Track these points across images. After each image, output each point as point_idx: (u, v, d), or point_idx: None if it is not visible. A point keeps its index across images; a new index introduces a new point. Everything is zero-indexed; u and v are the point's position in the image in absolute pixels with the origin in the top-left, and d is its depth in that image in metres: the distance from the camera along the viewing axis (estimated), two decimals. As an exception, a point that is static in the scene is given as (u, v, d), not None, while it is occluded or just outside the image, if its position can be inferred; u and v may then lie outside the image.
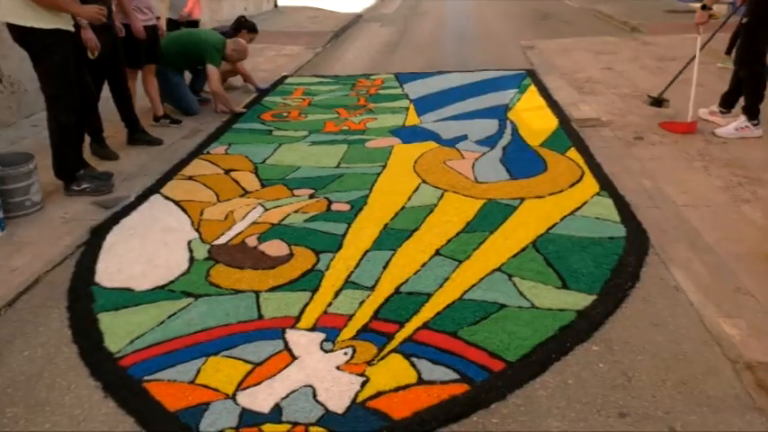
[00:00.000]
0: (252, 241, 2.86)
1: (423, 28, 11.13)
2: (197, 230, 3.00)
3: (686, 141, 3.98)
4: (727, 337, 2.05)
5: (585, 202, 3.13)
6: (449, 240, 2.78)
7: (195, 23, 5.77)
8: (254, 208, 3.22)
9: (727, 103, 4.24)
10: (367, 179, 3.56)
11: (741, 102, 4.07)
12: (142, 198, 3.42)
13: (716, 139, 3.98)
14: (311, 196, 3.36)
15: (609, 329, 2.13)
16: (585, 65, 6.75)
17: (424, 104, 5.24)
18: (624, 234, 2.77)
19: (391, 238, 2.84)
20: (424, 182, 3.48)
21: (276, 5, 13.92)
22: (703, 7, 4.05)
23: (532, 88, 5.66)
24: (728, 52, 5.98)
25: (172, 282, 2.54)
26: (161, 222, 3.12)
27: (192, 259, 2.72)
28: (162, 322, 2.26)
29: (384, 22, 11.92)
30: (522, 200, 3.18)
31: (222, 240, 2.88)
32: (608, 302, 2.27)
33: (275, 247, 2.78)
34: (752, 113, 3.96)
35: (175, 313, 2.31)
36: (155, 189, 3.54)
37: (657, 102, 4.51)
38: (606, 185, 3.31)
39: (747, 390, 1.82)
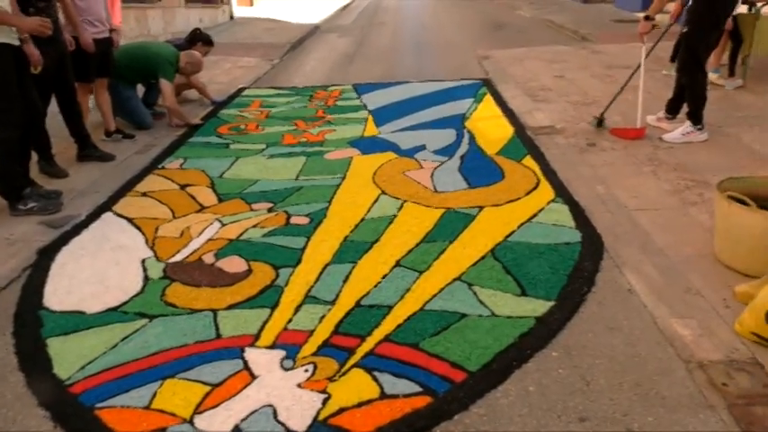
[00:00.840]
0: (209, 258, 2.80)
1: (380, 38, 11.22)
2: (151, 248, 2.92)
3: (635, 147, 4.11)
4: (679, 338, 2.11)
5: (542, 209, 3.18)
6: (409, 251, 2.78)
7: None
8: (211, 224, 3.16)
9: (672, 110, 4.41)
10: (326, 191, 3.54)
11: (686, 108, 4.22)
12: (93, 216, 3.31)
13: (663, 145, 4.12)
14: (270, 210, 3.32)
15: (567, 335, 2.17)
16: (539, 73, 6.91)
17: (383, 115, 5.26)
18: (579, 239, 2.83)
19: (351, 250, 2.82)
20: (383, 193, 3.49)
21: (232, 17, 13.80)
22: (646, 18, 4.19)
23: (488, 97, 5.75)
24: (673, 60, 6.21)
25: (125, 303, 2.46)
26: (113, 241, 3.02)
27: (146, 278, 2.65)
28: (115, 346, 2.18)
29: (341, 33, 11.96)
30: (481, 208, 3.22)
31: (178, 258, 2.81)
32: (565, 308, 2.31)
33: (233, 264, 2.73)
34: (696, 119, 4.11)
35: (129, 336, 2.24)
36: (106, 207, 3.44)
37: (600, 122, 4.56)
38: (561, 192, 3.38)
39: (700, 389, 1.87)
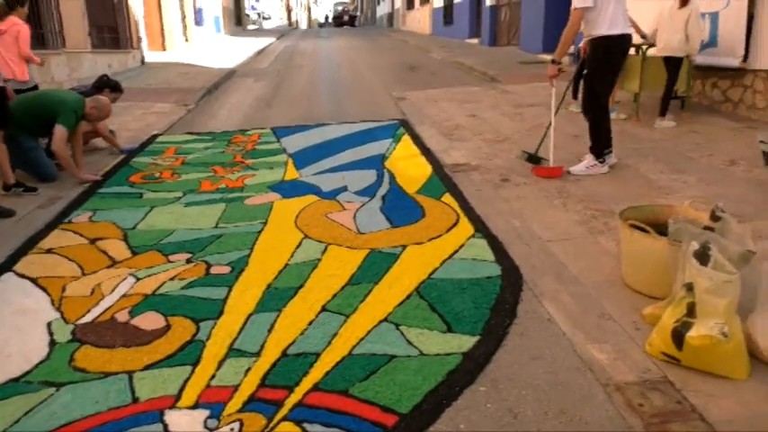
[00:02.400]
0: (123, 316, 2.64)
1: (297, 81, 11.31)
2: (58, 310, 2.72)
3: (546, 181, 4.34)
4: (597, 362, 2.20)
5: (462, 245, 3.27)
6: (334, 295, 2.76)
7: (32, 89, 5.29)
8: (125, 279, 3.00)
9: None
10: (247, 238, 3.47)
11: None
12: (-9, 279, 3.05)
13: (571, 177, 4.38)
14: (188, 261, 3.20)
15: (493, 368, 2.21)
16: (453, 113, 7.21)
17: (303, 158, 5.26)
18: (500, 273, 2.92)
19: (275, 298, 2.76)
20: (306, 237, 3.46)
21: (143, 62, 13.47)
22: (553, 62, 4.42)
23: (406, 137, 5.92)
24: (575, 97, 6.69)
25: (29, 372, 2.26)
26: (14, 304, 2.79)
27: (52, 343, 2.45)
28: (17, 421, 1.99)
29: (258, 77, 11.96)
30: (404, 247, 3.26)
31: (88, 318, 2.64)
32: (490, 341, 2.36)
33: (150, 320, 2.59)
34: (597, 153, 4.39)
35: (34, 408, 2.05)
36: (6, 267, 3.19)
37: (535, 158, 4.67)
38: (480, 227, 3.49)
39: (619, 411, 1.95)
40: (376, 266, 3.04)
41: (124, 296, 2.82)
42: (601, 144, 4.39)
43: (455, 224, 3.56)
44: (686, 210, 2.74)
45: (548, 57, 11.81)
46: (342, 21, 44.45)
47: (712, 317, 1.99)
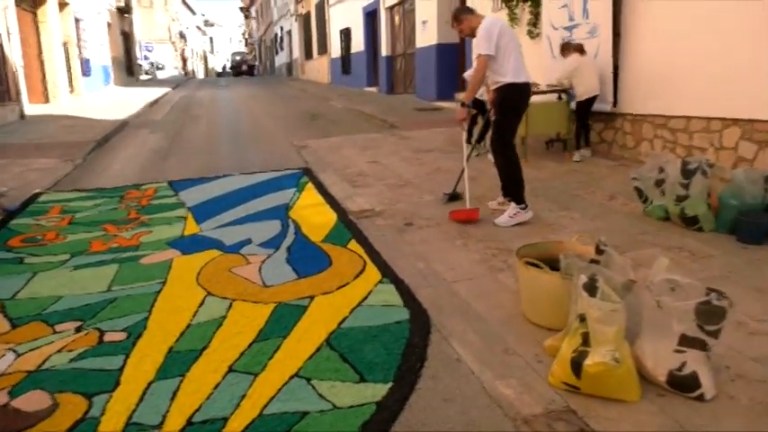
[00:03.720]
0: (2, 397, 2.37)
1: (195, 132, 11.06)
2: None
3: (447, 223, 4.49)
4: (504, 398, 2.26)
5: (371, 291, 3.29)
6: (242, 353, 2.66)
7: None
8: (3, 355, 2.71)
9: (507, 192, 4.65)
10: (145, 300, 3.28)
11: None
12: None
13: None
14: (78, 330, 2.95)
15: (407, 415, 2.20)
16: (355, 160, 7.34)
17: (203, 211, 5.11)
18: (408, 317, 2.96)
19: (178, 362, 2.61)
20: (209, 294, 3.33)
21: (23, 116, 12.59)
22: (462, 105, 4.54)
23: (310, 186, 5.93)
24: (468, 141, 7.07)
25: None
26: None
27: None
28: None
29: (153, 129, 11.56)
30: (312, 298, 3.22)
31: (-42, 404, 2.34)
32: (403, 388, 2.36)
33: (33, 400, 2.35)
34: (517, 199, 4.41)
35: None
36: None
37: (455, 196, 4.83)
38: (387, 272, 3.54)
39: (528, 444, 2.02)
40: (284, 320, 2.98)
41: (2, 375, 2.54)
42: (518, 188, 4.41)
43: (362, 271, 3.58)
44: (574, 245, 2.94)
45: (442, 104, 12.48)
46: (240, 70, 44.34)
47: (604, 344, 2.13)
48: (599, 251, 2.58)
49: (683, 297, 2.17)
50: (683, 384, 2.15)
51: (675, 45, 5.67)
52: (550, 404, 2.20)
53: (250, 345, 2.74)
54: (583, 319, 2.20)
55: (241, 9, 58.50)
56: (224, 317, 3.03)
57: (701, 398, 2.13)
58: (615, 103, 6.60)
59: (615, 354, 2.10)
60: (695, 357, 2.15)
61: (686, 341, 2.13)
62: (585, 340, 2.18)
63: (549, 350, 2.49)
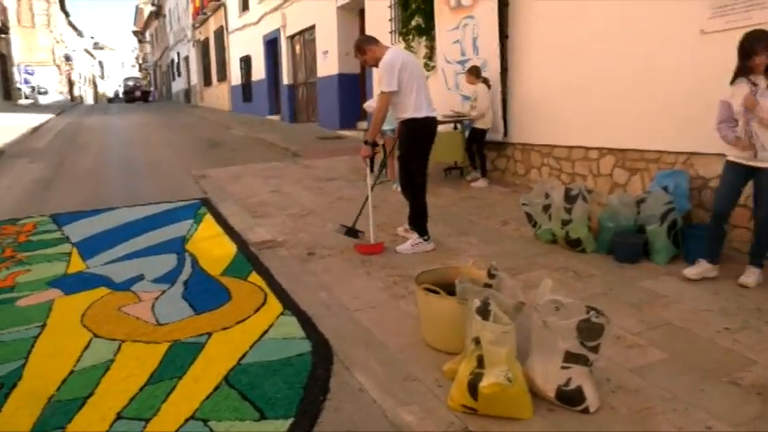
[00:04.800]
0: None
1: (83, 161, 10.40)
2: None
3: (351, 252, 4.51)
4: (407, 425, 2.29)
5: (272, 325, 3.22)
6: (132, 398, 2.49)
7: None
8: None
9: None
10: (21, 346, 2.99)
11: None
12: None
13: (372, 246, 4.62)
14: (-62, 384, 2.64)
15: (309, 450, 2.17)
16: (256, 189, 7.22)
17: (91, 247, 4.78)
18: (310, 348, 2.92)
19: (59, 412, 2.40)
20: (95, 336, 3.10)
21: None
22: (366, 142, 4.49)
23: (208, 217, 5.74)
24: (372, 170, 7.19)
25: None
26: None
27: None
28: None
29: (34, 158, 10.73)
30: (210, 334, 3.10)
31: None
32: (305, 422, 2.32)
33: None
34: (420, 231, 4.51)
35: None
36: None
37: (353, 232, 4.66)
38: (289, 304, 3.48)
39: (430, 470, 2.04)
40: (179, 359, 2.83)
41: None
42: (422, 221, 4.51)
43: (263, 304, 3.50)
44: (470, 269, 3.06)
45: (345, 132, 12.64)
46: (134, 96, 42.37)
47: (498, 365, 2.22)
48: (491, 275, 2.71)
49: (566, 316, 2.33)
50: (570, 399, 2.29)
51: (555, 81, 6.16)
52: (450, 427, 2.25)
53: (141, 388, 2.58)
54: (477, 341, 2.29)
55: (135, 33, 56.22)
56: (112, 360, 2.84)
57: (586, 410, 2.28)
58: (506, 133, 7.01)
59: (508, 374, 2.20)
60: (579, 372, 2.30)
61: (571, 357, 2.28)
62: (480, 362, 2.26)
63: (449, 374, 2.55)
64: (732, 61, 3.48)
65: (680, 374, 2.58)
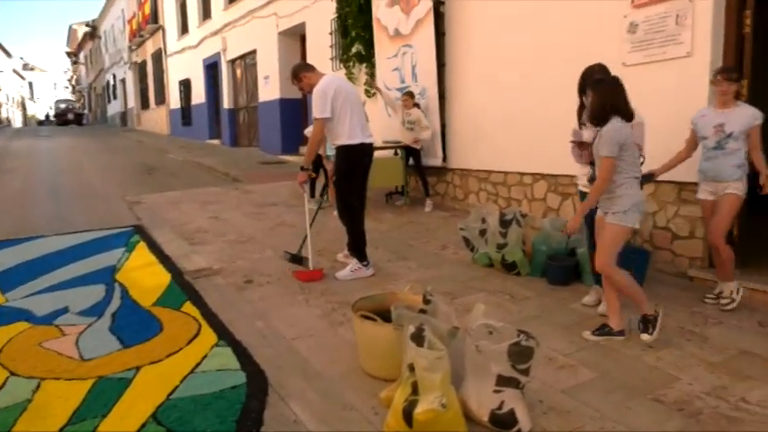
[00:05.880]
0: None
1: (8, 187, 9.85)
2: None
3: (289, 278, 4.45)
4: (343, 456, 2.26)
5: (205, 356, 3.11)
6: (50, 441, 2.34)
7: None
8: None
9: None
10: (-75, 388, 2.77)
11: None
12: None
13: (312, 272, 4.58)
14: None
15: (241, 487, 2.09)
16: (194, 216, 7.04)
17: (11, 278, 4.51)
18: (245, 380, 2.84)
19: (-35, 460, 2.23)
20: (12, 374, 2.91)
21: None
22: (302, 168, 4.46)
23: (142, 245, 5.54)
24: (312, 196, 7.19)
25: None
26: None
27: None
28: None
29: (-48, 184, 10.07)
30: (138, 369, 2.96)
31: None
32: (237, 458, 2.25)
33: None
34: (359, 256, 4.50)
35: None
36: None
37: (298, 259, 4.64)
38: (223, 334, 3.39)
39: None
40: (104, 396, 2.69)
41: None
42: (361, 246, 4.51)
43: (197, 335, 3.39)
44: (407, 295, 3.08)
45: (287, 157, 12.56)
46: (66, 119, 40.61)
47: (432, 391, 2.23)
48: (426, 301, 2.73)
49: (498, 340, 2.37)
50: (503, 422, 2.32)
51: (491, 108, 6.38)
52: (385, 456, 2.24)
53: (62, 429, 2.43)
54: (412, 368, 2.29)
55: (68, 54, 54.15)
56: (29, 400, 2.66)
57: (518, 433, 2.31)
58: (444, 159, 7.16)
59: (443, 399, 2.20)
60: (512, 395, 2.34)
61: (503, 381, 2.31)
62: (415, 389, 2.26)
63: (385, 401, 2.54)
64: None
65: (608, 393, 2.67)
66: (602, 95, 3.10)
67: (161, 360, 3.06)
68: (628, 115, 3.10)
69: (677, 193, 4.39)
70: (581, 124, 3.59)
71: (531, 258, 4.48)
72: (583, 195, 3.68)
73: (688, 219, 4.34)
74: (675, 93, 4.30)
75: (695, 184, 4.08)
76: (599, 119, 3.11)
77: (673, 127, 4.06)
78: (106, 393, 2.72)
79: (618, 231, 3.14)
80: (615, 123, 3.05)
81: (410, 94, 7.03)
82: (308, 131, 7.30)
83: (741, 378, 2.79)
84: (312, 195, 7.18)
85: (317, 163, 7.09)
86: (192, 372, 2.94)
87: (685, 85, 4.25)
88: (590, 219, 3.45)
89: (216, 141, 18.06)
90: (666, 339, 3.24)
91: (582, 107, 3.59)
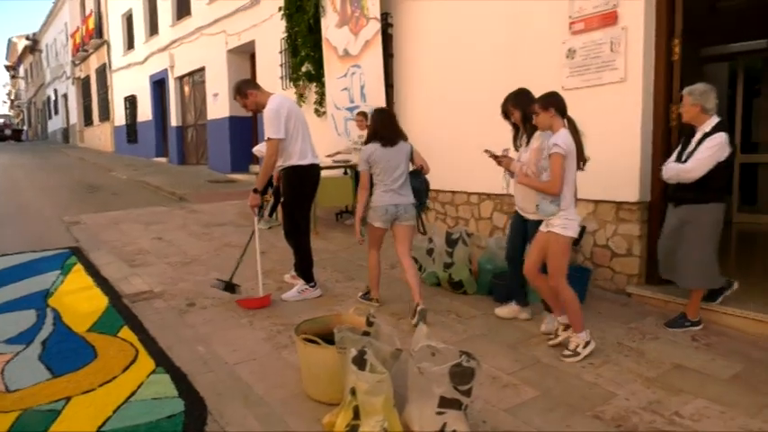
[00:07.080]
0: None
1: (-67, 208, 9.26)
2: None
3: (234, 301, 4.34)
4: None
5: (142, 384, 2.99)
6: (-36, 482, 2.18)
7: None
8: None
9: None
10: None
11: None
12: None
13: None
14: None
15: None
16: (136, 236, 6.80)
17: (-69, 304, 4.22)
18: (183, 408, 2.74)
19: None
20: (-74, 410, 2.70)
21: None
22: (254, 191, 4.30)
23: (78, 267, 5.30)
24: (270, 215, 7.12)
25: None
26: None
27: None
28: None
29: None
30: (69, 399, 2.81)
31: None
32: (170, 492, 2.15)
33: None
34: (307, 278, 4.43)
35: None
36: None
37: (230, 287, 4.40)
38: (162, 360, 3.26)
39: None
40: (30, 430, 2.54)
41: None
42: (308, 267, 4.45)
43: (133, 361, 3.25)
44: (351, 317, 3.06)
45: (236, 176, 12.36)
46: (3, 135, 38.85)
47: (373, 415, 2.20)
48: (369, 323, 2.71)
49: (440, 361, 2.37)
50: (446, 444, 2.31)
51: (438, 129, 6.47)
52: (327, 484, 2.18)
53: (-22, 469, 2.27)
54: (354, 392, 2.26)
55: (7, 67, 51.96)
56: (-56, 438, 2.48)
57: (461, 455, 2.30)
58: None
59: (384, 423, 2.18)
60: (455, 417, 2.33)
61: (445, 402, 2.31)
62: (356, 413, 2.23)
63: (328, 426, 2.49)
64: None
65: (549, 411, 2.70)
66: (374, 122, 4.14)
67: (93, 389, 2.91)
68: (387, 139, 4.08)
69: (615, 213, 4.55)
70: (516, 147, 3.82)
71: (478, 277, 4.53)
72: (518, 215, 3.94)
73: (625, 237, 4.49)
74: (612, 116, 4.47)
75: (633, 203, 4.24)
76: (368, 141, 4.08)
77: (609, 153, 4.22)
78: (32, 426, 2.57)
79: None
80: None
81: (363, 115, 7.06)
82: (257, 150, 7.24)
83: (675, 392, 2.88)
84: (260, 215, 7.07)
85: (268, 182, 7.02)
86: (126, 401, 2.81)
87: (620, 109, 4.44)
88: (524, 229, 3.67)
89: (163, 159, 17.61)
90: (606, 355, 3.32)
91: (516, 129, 3.98)
